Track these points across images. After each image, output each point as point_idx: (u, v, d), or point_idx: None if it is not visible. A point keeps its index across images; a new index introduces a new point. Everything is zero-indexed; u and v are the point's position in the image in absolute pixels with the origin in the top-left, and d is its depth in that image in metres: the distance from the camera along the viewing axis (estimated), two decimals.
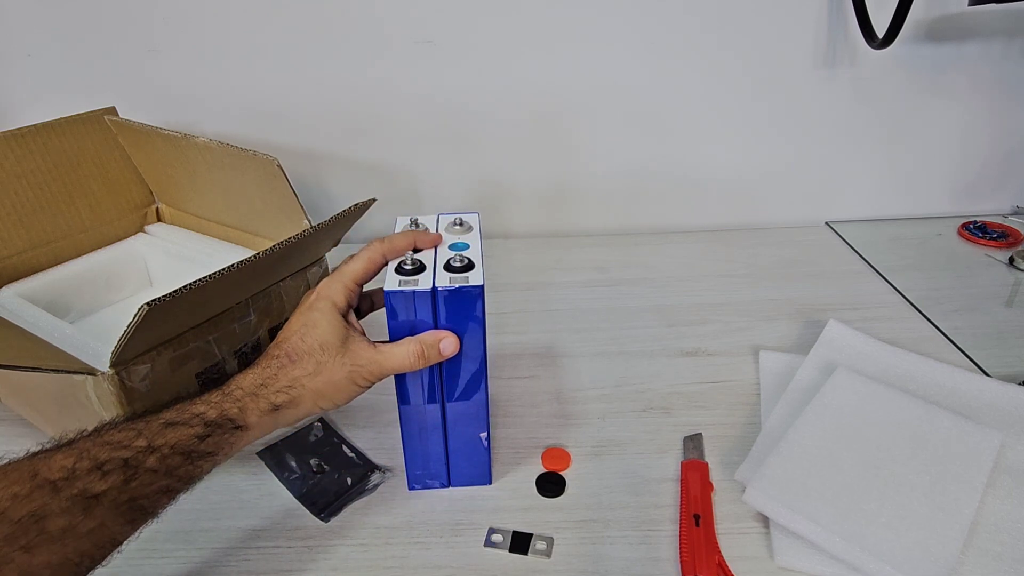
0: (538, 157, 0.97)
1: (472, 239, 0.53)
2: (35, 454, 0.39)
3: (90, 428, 0.41)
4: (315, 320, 0.49)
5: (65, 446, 0.40)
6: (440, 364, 0.51)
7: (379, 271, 0.52)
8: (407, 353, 0.48)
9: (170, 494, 0.42)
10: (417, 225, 0.55)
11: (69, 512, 0.37)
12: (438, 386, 0.52)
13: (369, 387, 0.50)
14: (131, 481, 0.40)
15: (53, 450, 0.39)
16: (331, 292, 0.50)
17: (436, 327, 0.50)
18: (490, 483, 0.58)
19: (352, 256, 0.52)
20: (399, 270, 0.50)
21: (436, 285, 0.48)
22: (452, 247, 0.52)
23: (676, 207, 1.02)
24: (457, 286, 0.48)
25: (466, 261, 0.50)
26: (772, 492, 0.53)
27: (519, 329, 0.79)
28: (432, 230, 0.55)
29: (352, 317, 0.51)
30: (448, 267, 0.49)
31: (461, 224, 0.55)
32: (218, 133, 0.86)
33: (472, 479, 0.57)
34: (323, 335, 0.48)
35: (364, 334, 0.51)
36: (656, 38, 0.90)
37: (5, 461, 0.39)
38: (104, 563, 0.40)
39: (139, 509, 0.41)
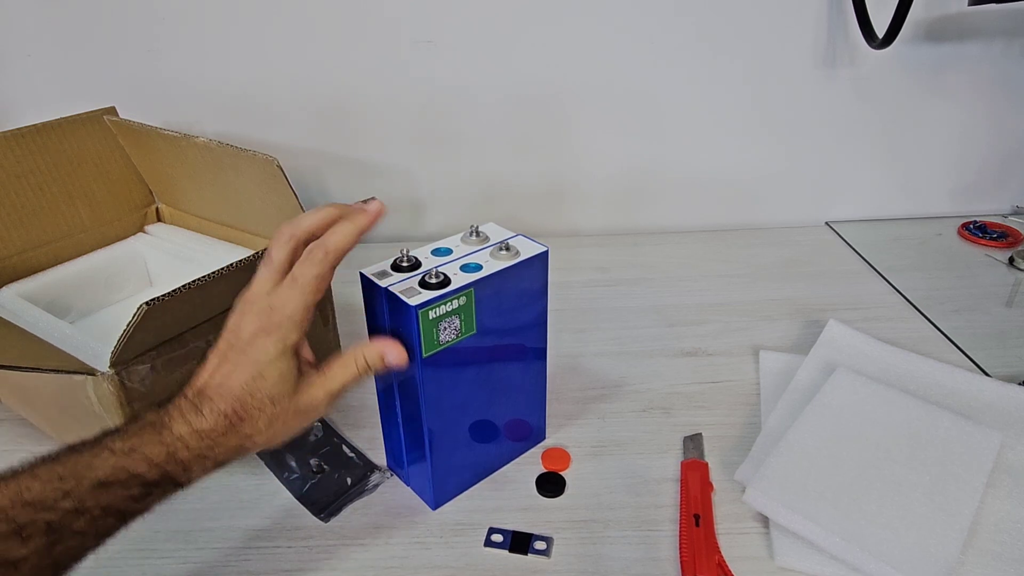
0: (538, 157, 0.97)
1: (494, 266, 0.50)
2: None
3: (7, 473, 0.36)
4: (262, 372, 0.42)
5: None
6: (395, 382, 0.51)
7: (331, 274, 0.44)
8: (347, 364, 0.45)
9: (96, 550, 0.38)
10: (478, 234, 0.53)
11: None
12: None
13: (318, 418, 0.46)
14: (56, 545, 0.35)
15: None
16: (285, 333, 0.42)
17: (389, 328, 0.49)
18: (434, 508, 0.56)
19: (275, 249, 0.43)
20: (395, 265, 0.50)
21: (387, 286, 0.48)
22: (464, 268, 0.50)
23: (676, 207, 1.02)
24: (396, 294, 0.47)
25: (442, 278, 0.48)
26: (772, 492, 0.53)
27: None
28: (492, 239, 0.53)
29: (304, 350, 0.45)
30: (423, 279, 0.48)
31: (508, 249, 0.51)
32: (218, 133, 0.86)
33: (421, 489, 0.57)
34: (273, 387, 0.42)
35: (313, 362, 0.46)
36: (656, 38, 0.90)
37: None
38: None
39: (63, 570, 0.36)
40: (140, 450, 0.39)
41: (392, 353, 0.46)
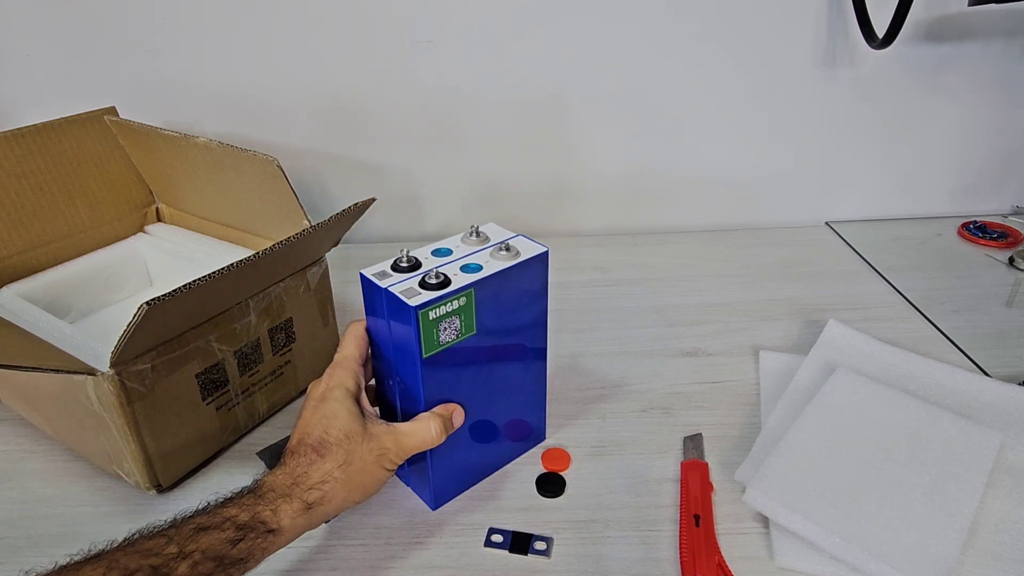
0: (538, 157, 0.97)
1: (494, 266, 0.50)
2: (63, 567, 0.38)
3: (120, 538, 0.40)
4: (334, 410, 0.48)
5: (94, 558, 0.38)
6: (396, 383, 0.52)
7: (367, 347, 0.53)
8: (428, 429, 0.50)
9: None
10: (478, 234, 0.53)
11: None
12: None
13: (395, 470, 0.50)
14: None
15: (82, 562, 0.38)
16: (341, 380, 0.50)
17: (389, 328, 0.50)
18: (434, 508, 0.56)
19: (341, 343, 0.52)
20: (395, 266, 0.50)
21: (387, 286, 0.48)
22: (464, 268, 0.50)
23: (676, 207, 1.02)
24: (396, 294, 0.47)
25: (442, 278, 0.48)
26: (772, 492, 0.53)
27: None
28: (492, 239, 0.53)
29: (364, 400, 0.51)
30: (423, 280, 0.48)
31: (508, 249, 0.51)
32: (218, 133, 0.87)
33: (421, 492, 0.57)
34: (345, 424, 0.48)
35: (377, 416, 0.51)
36: (656, 38, 0.90)
37: None
38: None
39: None
40: (235, 499, 0.44)
41: (459, 415, 0.52)
